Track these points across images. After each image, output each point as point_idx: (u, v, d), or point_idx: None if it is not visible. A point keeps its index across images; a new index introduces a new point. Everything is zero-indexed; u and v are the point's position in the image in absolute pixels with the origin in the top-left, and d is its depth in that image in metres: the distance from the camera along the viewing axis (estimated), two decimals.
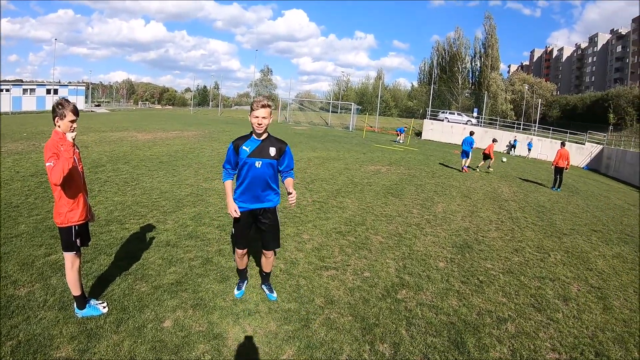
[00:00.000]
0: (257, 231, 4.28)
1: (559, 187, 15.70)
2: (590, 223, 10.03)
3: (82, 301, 3.83)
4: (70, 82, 72.75)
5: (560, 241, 7.99)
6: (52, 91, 57.64)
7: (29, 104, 54.55)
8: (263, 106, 3.85)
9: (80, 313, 3.82)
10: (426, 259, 6.20)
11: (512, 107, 68.53)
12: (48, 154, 3.37)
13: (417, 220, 8.49)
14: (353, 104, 54.15)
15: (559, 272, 6.23)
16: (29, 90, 56.77)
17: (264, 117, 3.86)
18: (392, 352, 3.76)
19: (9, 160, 11.71)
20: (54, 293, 4.22)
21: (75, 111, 3.58)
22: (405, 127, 38.57)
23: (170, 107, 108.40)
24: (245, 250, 4.33)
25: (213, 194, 9.15)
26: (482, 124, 47.40)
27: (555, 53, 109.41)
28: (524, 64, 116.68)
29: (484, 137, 39.05)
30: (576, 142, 38.91)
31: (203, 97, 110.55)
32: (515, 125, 46.76)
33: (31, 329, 3.58)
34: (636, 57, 77.75)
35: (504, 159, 25.46)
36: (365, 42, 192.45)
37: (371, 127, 49.58)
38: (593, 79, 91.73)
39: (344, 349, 3.72)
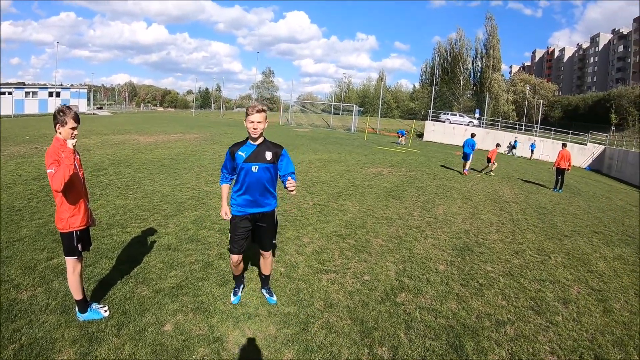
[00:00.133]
0: (254, 233, 4.29)
1: (560, 188, 15.68)
2: (591, 224, 10.02)
3: (83, 305, 3.87)
4: (72, 85, 72.60)
5: (561, 243, 8.00)
6: (54, 94, 57.91)
7: (31, 107, 54.81)
8: (258, 111, 3.89)
9: (81, 317, 3.86)
10: (426, 262, 6.22)
11: (513, 108, 68.39)
12: (49, 161, 3.42)
13: (418, 222, 8.51)
14: (355, 105, 54.11)
15: (559, 274, 6.24)
16: (31, 93, 57.09)
17: (259, 122, 3.90)
18: (391, 355, 3.78)
19: (12, 164, 11.77)
20: (56, 297, 4.26)
21: (77, 118, 3.62)
22: (407, 131, 38.48)
23: (172, 109, 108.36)
24: (239, 257, 4.26)
25: (214, 197, 9.19)
26: (484, 125, 47.31)
27: (556, 53, 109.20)
28: (525, 64, 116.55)
29: (485, 138, 39.04)
30: (578, 143, 38.84)
31: (205, 100, 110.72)
32: (517, 126, 46.70)
33: (33, 332, 3.62)
34: (638, 56, 77.60)
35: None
36: (367, 44, 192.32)
37: (373, 128, 49.62)
38: (595, 79, 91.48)
39: (343, 353, 3.74)
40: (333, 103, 65.77)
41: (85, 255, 5.04)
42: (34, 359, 3.31)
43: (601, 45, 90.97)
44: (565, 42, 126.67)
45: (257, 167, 3.98)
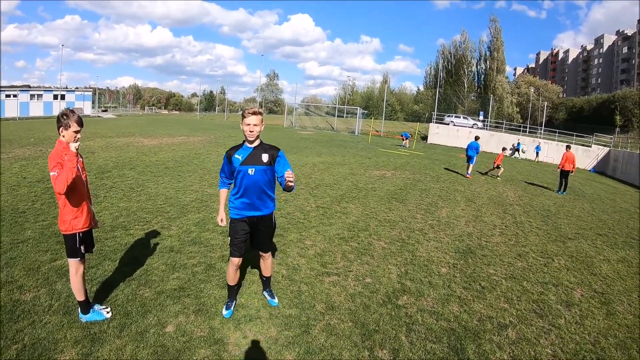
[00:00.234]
0: (252, 237, 4.28)
1: (564, 190, 15.63)
2: (595, 227, 9.98)
3: (86, 306, 3.90)
4: (77, 88, 73.17)
5: (564, 246, 7.97)
6: (59, 97, 58.17)
7: (36, 109, 55.09)
8: (254, 113, 3.91)
9: (84, 318, 3.89)
10: (428, 265, 6.21)
11: (518, 110, 68.33)
12: (52, 164, 3.45)
13: (421, 225, 8.50)
14: (359, 108, 54.20)
15: (562, 277, 6.21)
16: (36, 96, 57.32)
17: (255, 125, 3.91)
18: (391, 358, 3.78)
19: (16, 166, 11.85)
20: (59, 298, 4.29)
21: (80, 122, 3.66)
22: (411, 133, 38.46)
23: (177, 112, 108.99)
24: (239, 260, 4.23)
25: (217, 199, 9.19)
26: (488, 128, 47.20)
27: (561, 55, 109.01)
28: (529, 66, 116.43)
29: (489, 141, 38.99)
30: (582, 145, 38.66)
31: (209, 102, 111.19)
32: (521, 129, 46.56)
33: (36, 332, 3.66)
34: None
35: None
36: (371, 46, 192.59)
37: (377, 131, 49.62)
38: (599, 81, 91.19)
39: (344, 355, 3.74)
40: (337, 106, 66.00)
41: (88, 257, 5.09)
42: (36, 358, 3.33)
43: (605, 47, 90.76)
44: (570, 44, 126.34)
45: (253, 169, 3.98)
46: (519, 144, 38.97)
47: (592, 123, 56.39)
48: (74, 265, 3.79)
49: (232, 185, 4.20)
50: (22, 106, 52.74)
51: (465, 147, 18.88)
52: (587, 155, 36.68)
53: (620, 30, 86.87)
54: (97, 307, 4.03)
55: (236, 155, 4.02)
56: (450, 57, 74.19)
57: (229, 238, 4.23)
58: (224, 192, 4.30)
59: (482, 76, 71.57)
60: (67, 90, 64.28)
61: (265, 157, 4.02)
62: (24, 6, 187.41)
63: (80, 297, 3.85)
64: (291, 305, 4.60)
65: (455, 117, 49.61)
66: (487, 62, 70.22)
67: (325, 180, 12.92)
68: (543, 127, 46.42)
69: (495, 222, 9.37)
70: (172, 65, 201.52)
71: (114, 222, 7.09)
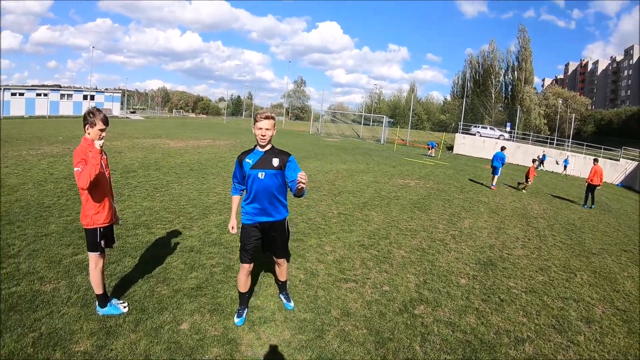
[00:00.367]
0: (265, 243, 4.26)
1: (592, 204, 15.24)
2: (620, 242, 9.69)
3: (103, 300, 3.97)
4: (106, 89, 74.88)
5: (588, 261, 7.75)
6: (88, 97, 59.63)
7: (66, 108, 56.56)
8: (266, 117, 3.89)
9: (101, 311, 3.96)
10: (448, 275, 6.11)
11: (545, 121, 66.94)
12: (77, 159, 3.54)
13: (442, 235, 8.39)
14: (385, 116, 53.85)
15: (584, 292, 6.04)
16: (66, 96, 58.85)
17: (267, 129, 3.89)
18: None
19: (44, 163, 12.19)
20: (78, 290, 4.38)
21: (105, 120, 3.75)
22: (437, 143, 38.13)
23: (204, 115, 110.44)
24: (250, 266, 4.20)
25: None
26: (515, 139, 46.42)
27: (590, 66, 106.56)
28: (558, 77, 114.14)
29: (516, 152, 38.35)
30: (610, 159, 37.67)
31: (236, 107, 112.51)
32: (549, 141, 45.67)
33: (53, 323, 3.75)
34: None
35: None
36: (399, 55, 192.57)
37: (403, 140, 49.34)
38: (629, 93, 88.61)
39: None
40: (363, 114, 65.83)
41: (109, 253, 5.20)
42: (52, 348, 3.41)
43: (635, 58, 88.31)
44: (599, 55, 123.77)
45: (263, 173, 3.96)
46: (544, 155, 38.18)
47: (621, 136, 55.01)
48: (94, 259, 3.87)
49: (244, 192, 4.18)
50: (52, 105, 54.31)
51: (491, 157, 18.55)
52: (614, 169, 35.71)
53: None
54: (114, 301, 4.10)
55: (247, 159, 4.02)
56: (478, 67, 73.29)
57: (240, 244, 4.20)
58: (236, 199, 4.30)
59: (510, 87, 70.34)
60: (96, 91, 65.81)
61: (275, 162, 3.99)
62: (56, 8, 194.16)
63: (98, 290, 3.93)
64: (307, 309, 4.59)
65: (482, 127, 48.97)
66: (515, 72, 68.96)
67: (348, 187, 12.89)
68: (571, 140, 45.42)
69: (518, 234, 9.19)
70: (201, 70, 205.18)
71: (136, 221, 7.20)
